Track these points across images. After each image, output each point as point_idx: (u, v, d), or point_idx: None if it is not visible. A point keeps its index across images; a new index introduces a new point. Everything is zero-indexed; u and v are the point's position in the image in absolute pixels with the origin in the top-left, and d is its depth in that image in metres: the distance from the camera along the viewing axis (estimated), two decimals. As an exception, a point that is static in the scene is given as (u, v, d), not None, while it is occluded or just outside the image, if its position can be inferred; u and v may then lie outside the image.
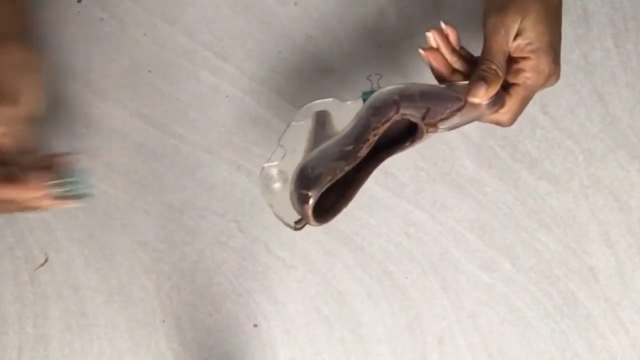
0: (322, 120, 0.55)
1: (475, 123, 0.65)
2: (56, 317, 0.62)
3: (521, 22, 0.51)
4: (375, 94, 0.52)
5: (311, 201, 0.50)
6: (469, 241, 0.63)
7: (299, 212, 0.52)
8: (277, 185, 0.55)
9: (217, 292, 0.63)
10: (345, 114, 0.54)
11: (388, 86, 0.53)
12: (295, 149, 0.55)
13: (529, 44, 0.51)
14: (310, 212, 0.51)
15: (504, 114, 0.53)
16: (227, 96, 0.66)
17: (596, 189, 0.64)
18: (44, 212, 0.53)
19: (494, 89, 0.51)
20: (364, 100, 0.53)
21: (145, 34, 0.67)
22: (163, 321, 0.62)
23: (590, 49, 0.66)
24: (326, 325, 0.62)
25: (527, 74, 0.52)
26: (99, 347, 0.62)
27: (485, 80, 0.51)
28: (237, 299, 0.63)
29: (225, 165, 0.65)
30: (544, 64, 0.52)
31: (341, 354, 0.62)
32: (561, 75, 0.65)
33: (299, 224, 0.53)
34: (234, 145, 0.65)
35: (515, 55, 0.52)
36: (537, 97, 0.65)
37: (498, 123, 0.54)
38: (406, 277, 0.63)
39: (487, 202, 0.64)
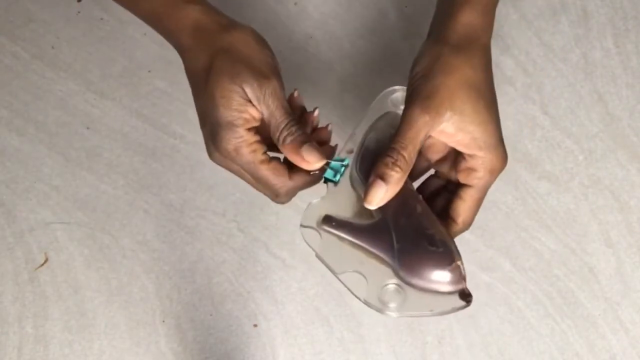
0: (337, 223, 0.49)
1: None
2: (56, 317, 0.62)
3: (456, 115, 0.45)
4: (360, 155, 0.50)
5: (464, 270, 0.47)
6: (469, 241, 0.63)
7: (456, 289, 0.47)
8: (397, 303, 0.47)
9: (217, 292, 0.63)
10: (336, 201, 0.50)
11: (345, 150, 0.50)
12: (360, 261, 0.48)
13: (473, 139, 0.46)
14: (465, 276, 0.46)
15: (459, 222, 0.49)
16: (227, 96, 0.66)
17: (596, 189, 0.64)
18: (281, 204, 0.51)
19: (397, 187, 0.46)
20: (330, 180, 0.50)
21: (145, 34, 0.67)
22: (163, 321, 0.62)
23: (590, 49, 0.66)
24: (326, 325, 0.62)
25: (480, 174, 0.47)
26: (99, 347, 0.62)
27: (384, 178, 0.45)
28: (237, 299, 0.63)
29: (225, 165, 0.65)
30: (496, 160, 0.47)
31: (341, 354, 0.62)
32: (561, 75, 0.65)
33: (469, 296, 0.47)
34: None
35: (460, 150, 0.47)
36: (537, 97, 0.65)
37: (455, 234, 0.50)
38: (406, 277, 0.63)
39: (487, 202, 0.63)
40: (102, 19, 0.67)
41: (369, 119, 0.52)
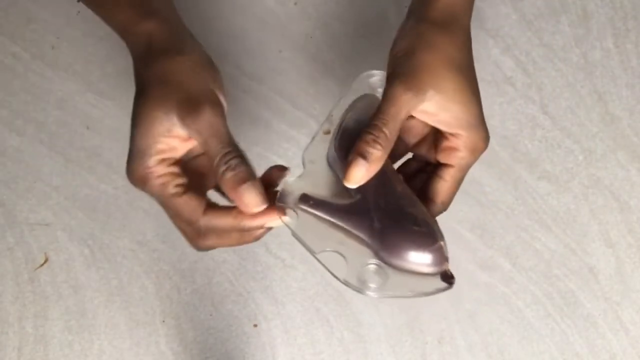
0: (315, 202, 0.48)
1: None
2: (56, 317, 0.62)
3: (438, 94, 0.45)
4: (339, 132, 0.49)
5: (447, 251, 0.46)
6: (469, 241, 0.63)
7: (438, 270, 0.46)
8: (377, 283, 0.46)
9: (217, 292, 0.63)
10: (313, 180, 0.48)
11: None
12: (340, 242, 0.47)
13: (455, 118, 0.45)
14: (448, 257, 0.46)
15: (438, 202, 0.48)
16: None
17: (596, 189, 0.64)
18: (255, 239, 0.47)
19: (378, 165, 0.44)
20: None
21: (145, 34, 0.67)
22: (163, 321, 0.62)
23: (590, 49, 0.66)
24: (326, 325, 0.62)
25: (461, 154, 0.46)
26: (99, 347, 0.62)
27: (365, 156, 0.44)
28: (237, 299, 0.63)
29: (225, 165, 0.65)
30: (478, 139, 0.46)
31: (341, 354, 0.62)
32: (561, 75, 0.65)
33: (452, 278, 0.46)
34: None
35: (442, 128, 0.46)
36: (537, 97, 0.65)
37: (434, 215, 0.49)
38: (406, 277, 0.63)
39: (487, 202, 0.64)
40: (102, 19, 0.67)
41: (346, 100, 0.50)
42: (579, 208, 0.63)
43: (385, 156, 0.45)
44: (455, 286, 0.62)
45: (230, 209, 0.45)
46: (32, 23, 0.67)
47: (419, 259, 0.46)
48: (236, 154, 0.44)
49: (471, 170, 0.64)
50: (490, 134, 0.64)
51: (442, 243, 0.46)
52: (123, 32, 0.49)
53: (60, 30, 0.67)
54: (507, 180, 0.64)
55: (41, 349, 0.62)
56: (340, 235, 0.47)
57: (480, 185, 0.64)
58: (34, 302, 0.63)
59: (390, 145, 0.45)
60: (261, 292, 0.63)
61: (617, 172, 0.64)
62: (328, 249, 0.46)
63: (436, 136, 0.48)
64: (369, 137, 0.44)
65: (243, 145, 0.65)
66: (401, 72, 0.45)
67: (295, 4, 0.67)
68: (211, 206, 0.46)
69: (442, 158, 0.48)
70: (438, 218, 0.52)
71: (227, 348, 0.62)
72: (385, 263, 0.47)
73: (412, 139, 0.50)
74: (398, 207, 0.47)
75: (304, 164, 0.49)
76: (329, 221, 0.47)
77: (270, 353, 0.62)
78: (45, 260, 0.63)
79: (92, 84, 0.66)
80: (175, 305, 0.63)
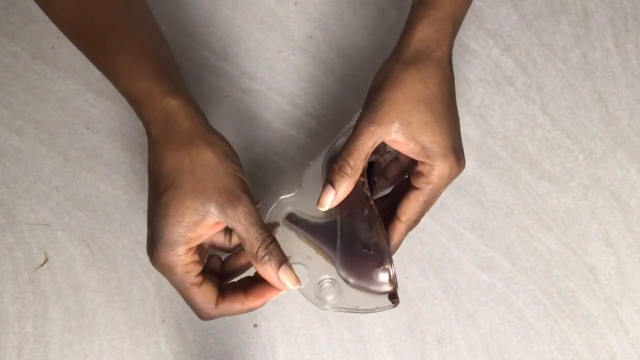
0: (296, 219, 0.54)
1: (475, 122, 0.65)
2: (56, 317, 0.62)
3: (405, 126, 0.49)
4: (329, 157, 0.53)
5: (392, 270, 0.50)
6: (469, 241, 0.63)
7: (384, 290, 0.51)
8: (331, 297, 0.53)
9: (217, 292, 0.63)
10: (305, 198, 0.54)
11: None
12: (308, 256, 0.54)
13: (422, 148, 0.49)
14: (396, 279, 0.50)
15: (403, 220, 0.52)
16: (227, 96, 0.66)
17: (596, 189, 0.64)
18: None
19: (344, 192, 0.50)
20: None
21: (145, 34, 0.67)
22: (163, 321, 0.62)
23: (590, 49, 0.66)
24: (326, 325, 0.62)
25: (428, 180, 0.50)
26: (99, 347, 0.62)
27: (332, 183, 0.50)
28: (237, 299, 0.63)
29: (225, 165, 0.65)
30: (443, 167, 0.50)
31: (341, 354, 0.62)
32: (561, 75, 0.65)
33: (395, 298, 0.51)
34: (233, 145, 0.65)
35: (413, 157, 0.50)
36: (537, 97, 0.65)
37: (400, 231, 0.53)
38: (406, 277, 0.63)
39: (487, 202, 0.64)
40: (102, 19, 0.67)
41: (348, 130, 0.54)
42: (579, 208, 0.63)
43: (351, 183, 0.50)
44: (455, 286, 0.62)
45: (236, 296, 0.51)
46: (32, 23, 0.67)
47: (367, 278, 0.51)
48: (272, 239, 0.49)
49: (471, 171, 0.64)
50: (491, 134, 0.64)
51: (387, 266, 0.51)
52: (139, 103, 0.51)
53: (60, 31, 0.67)
54: (507, 180, 0.64)
55: (41, 349, 0.62)
56: (311, 251, 0.53)
57: (480, 185, 0.64)
58: (34, 302, 0.63)
59: (355, 173, 0.50)
60: (261, 292, 0.63)
61: (617, 172, 0.64)
62: (295, 262, 0.52)
63: (413, 160, 0.52)
64: (335, 166, 0.50)
65: (243, 145, 0.65)
66: (368, 107, 0.50)
67: (295, 4, 0.67)
68: (222, 295, 0.50)
69: (412, 181, 0.52)
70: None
71: (227, 348, 0.62)
72: (343, 280, 0.52)
73: (404, 158, 0.55)
74: (356, 229, 0.52)
75: (301, 182, 0.55)
76: (306, 237, 0.53)
77: (270, 353, 0.62)
78: (45, 260, 0.63)
79: (92, 84, 0.66)
80: (175, 305, 0.63)
